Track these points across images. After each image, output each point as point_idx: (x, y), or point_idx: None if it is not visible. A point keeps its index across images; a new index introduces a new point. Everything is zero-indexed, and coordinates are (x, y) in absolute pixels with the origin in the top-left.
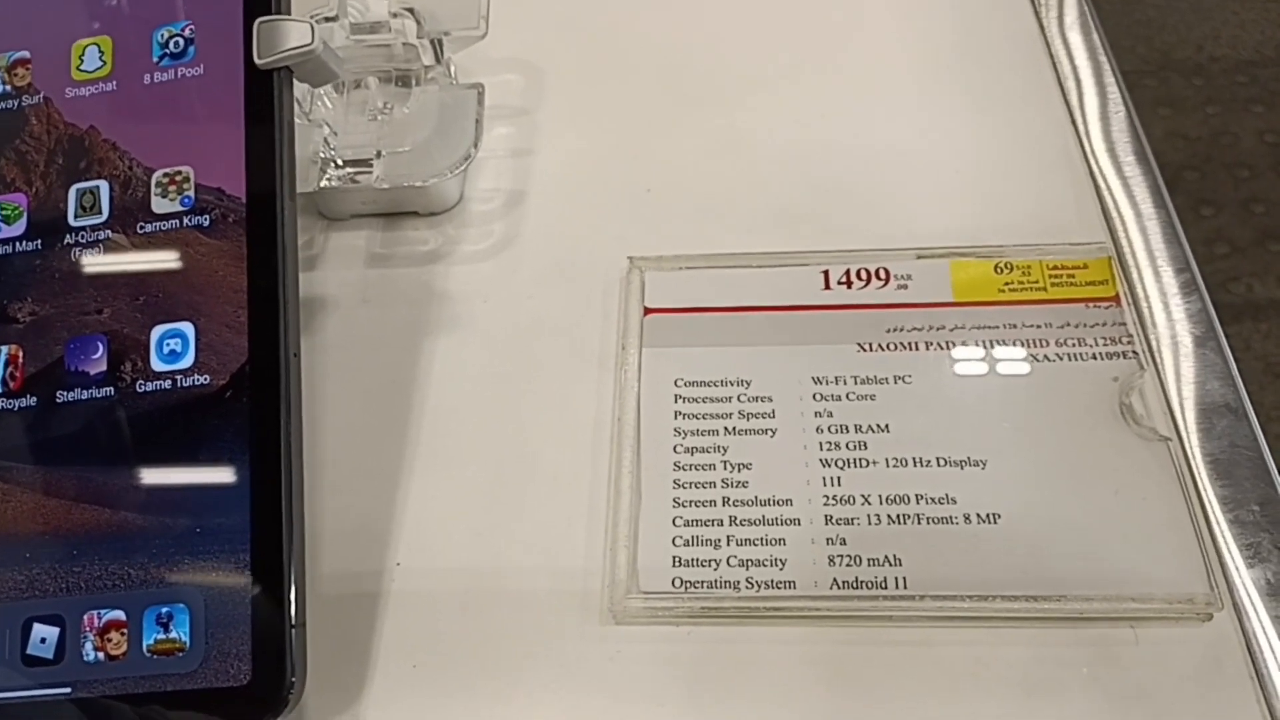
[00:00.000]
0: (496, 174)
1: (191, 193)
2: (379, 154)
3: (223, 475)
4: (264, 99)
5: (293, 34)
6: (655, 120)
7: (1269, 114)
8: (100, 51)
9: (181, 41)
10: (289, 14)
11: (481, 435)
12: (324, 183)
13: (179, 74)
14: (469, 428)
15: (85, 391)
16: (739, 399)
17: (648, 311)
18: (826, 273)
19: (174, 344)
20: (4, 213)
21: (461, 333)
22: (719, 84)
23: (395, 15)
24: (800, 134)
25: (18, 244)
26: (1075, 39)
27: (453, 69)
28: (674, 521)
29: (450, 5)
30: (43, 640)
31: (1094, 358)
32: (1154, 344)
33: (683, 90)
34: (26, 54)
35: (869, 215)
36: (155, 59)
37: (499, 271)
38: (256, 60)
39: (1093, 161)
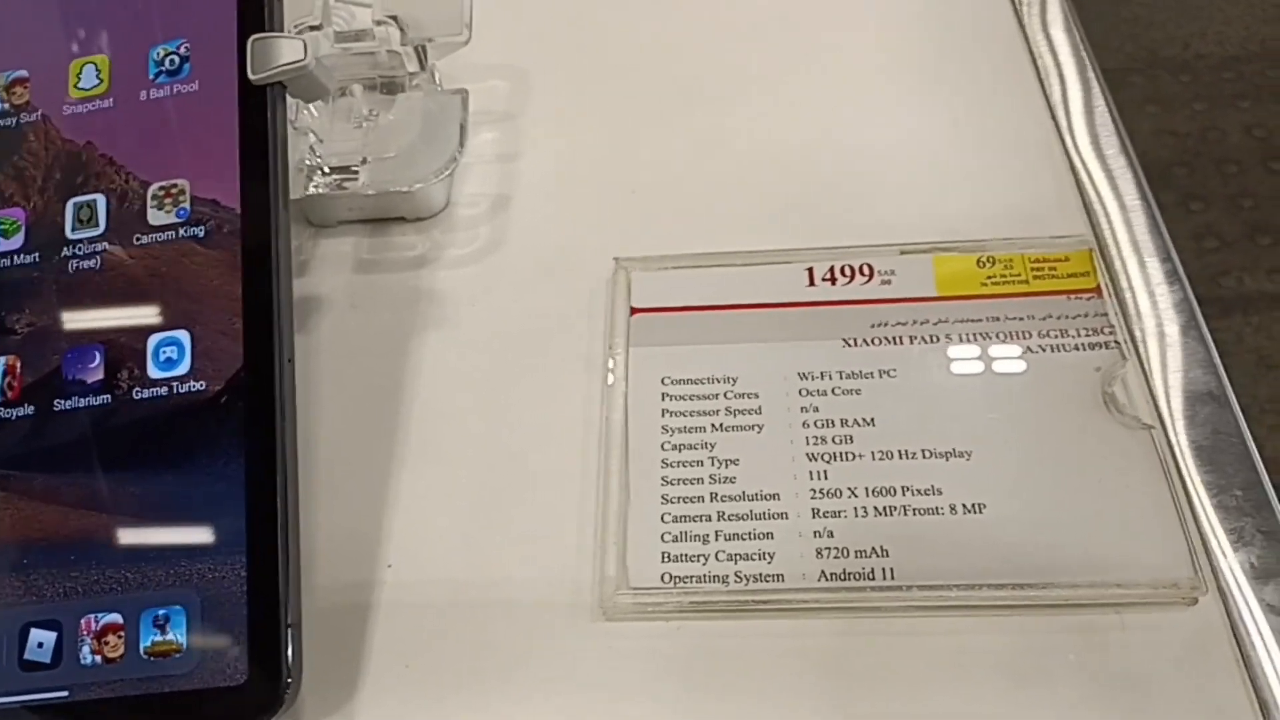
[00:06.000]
0: (482, 179)
1: (187, 204)
2: (364, 160)
3: (218, 479)
4: (258, 113)
5: (286, 51)
6: (638, 121)
7: (1255, 109)
8: (97, 70)
9: (177, 59)
10: (282, 31)
11: (471, 437)
12: (310, 190)
13: (175, 90)
14: (459, 430)
15: (83, 400)
16: (725, 396)
17: (634, 311)
18: (811, 270)
19: (170, 351)
20: (2, 227)
21: (450, 336)
22: (701, 84)
23: (379, 23)
24: (783, 132)
25: (15, 257)
26: (1058, 35)
27: (437, 75)
28: (662, 518)
29: (434, 12)
30: (40, 645)
31: (1077, 349)
32: (1137, 334)
33: (665, 91)
34: (25, 73)
35: (852, 212)
36: (151, 76)
37: (486, 275)
38: (251, 76)
39: (1075, 155)
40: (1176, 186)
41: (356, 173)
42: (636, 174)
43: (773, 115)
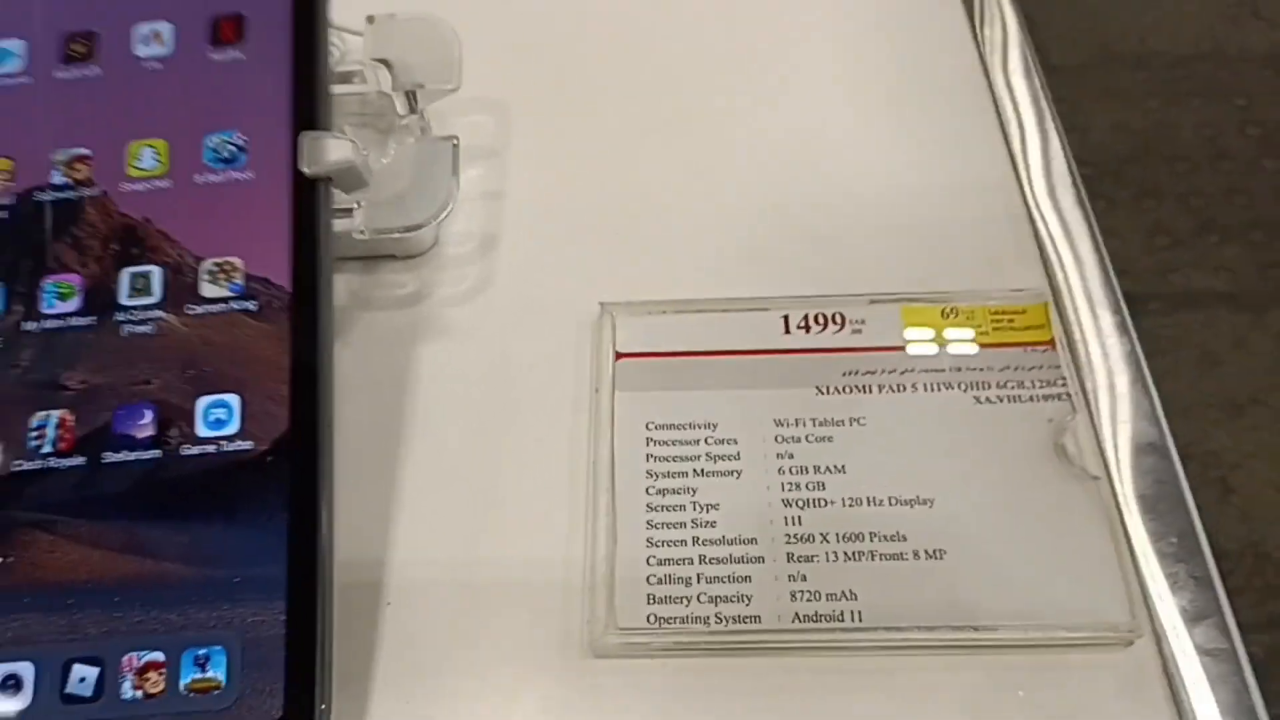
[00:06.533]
0: (469, 217)
1: (240, 280)
2: (359, 204)
3: (262, 529)
4: (309, 203)
5: (335, 150)
6: (621, 158)
7: (1205, 107)
8: (155, 153)
9: (233, 148)
10: (330, 127)
11: (462, 478)
12: None
13: (229, 177)
14: (450, 470)
15: (132, 453)
16: (706, 441)
17: (619, 356)
18: (786, 317)
19: (220, 413)
20: (59, 290)
21: (438, 376)
22: (682, 122)
23: (369, 64)
24: (762, 176)
25: (71, 319)
26: (1018, 83)
27: (427, 117)
28: (648, 561)
29: (425, 59)
30: (82, 680)
31: (1031, 399)
32: (1089, 386)
33: (647, 127)
34: (87, 151)
35: (828, 260)
36: (207, 161)
37: (475, 315)
38: (304, 169)
39: (1034, 207)
40: (1130, 183)
41: (351, 214)
42: (620, 213)
43: (752, 159)
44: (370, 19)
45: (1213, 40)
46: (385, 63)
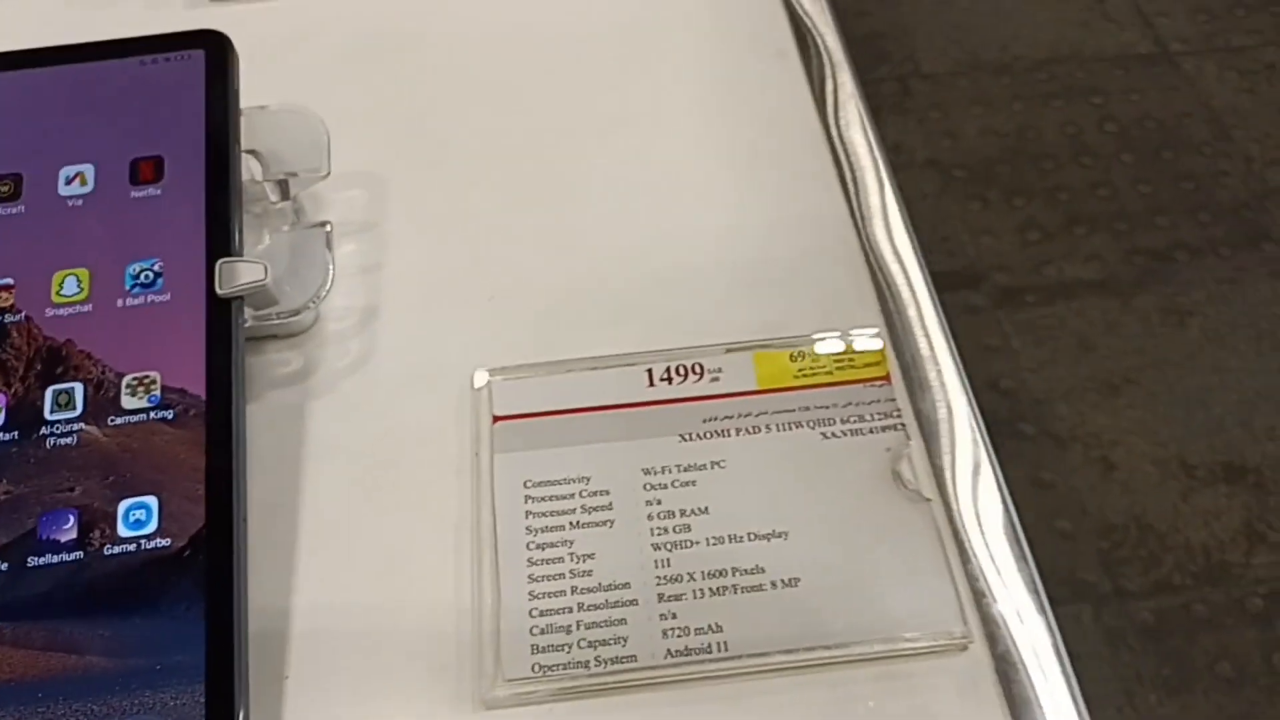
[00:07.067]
0: (349, 292)
1: (158, 392)
2: None
3: (180, 619)
4: (223, 320)
5: (247, 272)
6: (492, 226)
7: (1067, 107)
8: (78, 280)
9: (151, 274)
10: (243, 256)
11: (355, 547)
12: None
13: (148, 299)
14: (344, 540)
15: (56, 556)
16: (581, 494)
17: (496, 419)
18: (650, 371)
19: (139, 514)
20: None
21: (328, 450)
22: (549, 188)
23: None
24: (623, 238)
25: None
26: (854, 137)
27: (301, 200)
28: (530, 613)
29: (294, 149)
30: None
31: (871, 431)
32: (925, 414)
33: (516, 196)
34: (10, 280)
35: (686, 313)
36: (128, 287)
37: (359, 387)
38: (218, 291)
39: (870, 252)
40: (1001, 184)
41: None
42: (492, 280)
43: (614, 220)
44: (241, 112)
45: (1069, 44)
46: (255, 154)
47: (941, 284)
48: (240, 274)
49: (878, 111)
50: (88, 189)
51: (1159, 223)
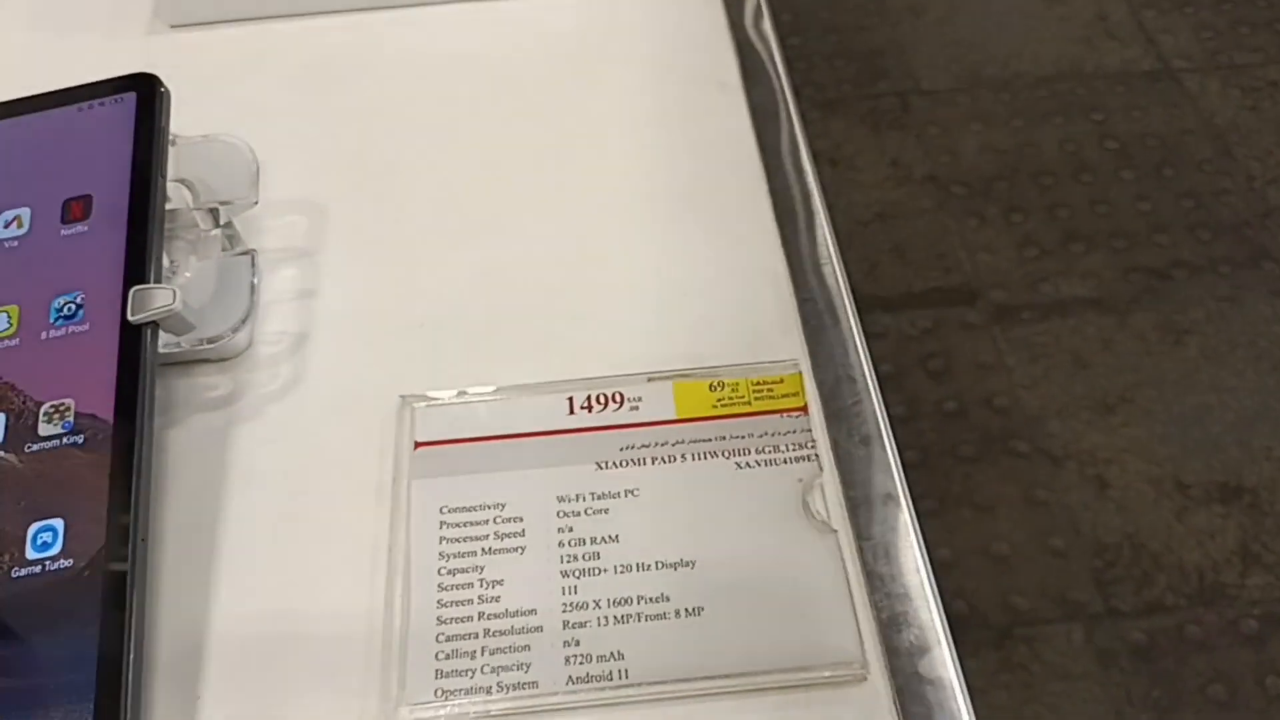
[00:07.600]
0: (283, 317)
1: (71, 418)
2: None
3: (75, 638)
4: (134, 347)
5: (159, 298)
6: (425, 255)
7: (1066, 124)
8: (8, 317)
9: (74, 306)
10: (158, 282)
11: (275, 568)
12: None
13: (69, 331)
14: (263, 561)
15: None
16: (495, 521)
17: (418, 445)
18: (571, 399)
19: (46, 536)
20: None
21: (255, 473)
22: (483, 217)
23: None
24: (547, 266)
25: None
26: (790, 169)
27: (235, 227)
28: (437, 638)
29: (224, 177)
30: None
31: (784, 462)
32: (840, 444)
33: (449, 225)
34: None
35: (609, 342)
36: (52, 320)
37: (287, 411)
38: (130, 318)
39: (797, 283)
40: (999, 200)
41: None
42: (423, 308)
43: (541, 251)
44: (172, 140)
45: (1070, 60)
46: (187, 183)
47: (937, 300)
48: (151, 300)
49: (877, 127)
50: (23, 231)
51: (1158, 240)
